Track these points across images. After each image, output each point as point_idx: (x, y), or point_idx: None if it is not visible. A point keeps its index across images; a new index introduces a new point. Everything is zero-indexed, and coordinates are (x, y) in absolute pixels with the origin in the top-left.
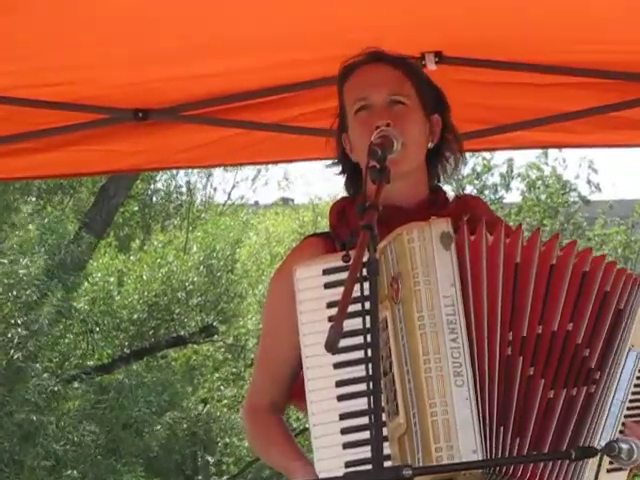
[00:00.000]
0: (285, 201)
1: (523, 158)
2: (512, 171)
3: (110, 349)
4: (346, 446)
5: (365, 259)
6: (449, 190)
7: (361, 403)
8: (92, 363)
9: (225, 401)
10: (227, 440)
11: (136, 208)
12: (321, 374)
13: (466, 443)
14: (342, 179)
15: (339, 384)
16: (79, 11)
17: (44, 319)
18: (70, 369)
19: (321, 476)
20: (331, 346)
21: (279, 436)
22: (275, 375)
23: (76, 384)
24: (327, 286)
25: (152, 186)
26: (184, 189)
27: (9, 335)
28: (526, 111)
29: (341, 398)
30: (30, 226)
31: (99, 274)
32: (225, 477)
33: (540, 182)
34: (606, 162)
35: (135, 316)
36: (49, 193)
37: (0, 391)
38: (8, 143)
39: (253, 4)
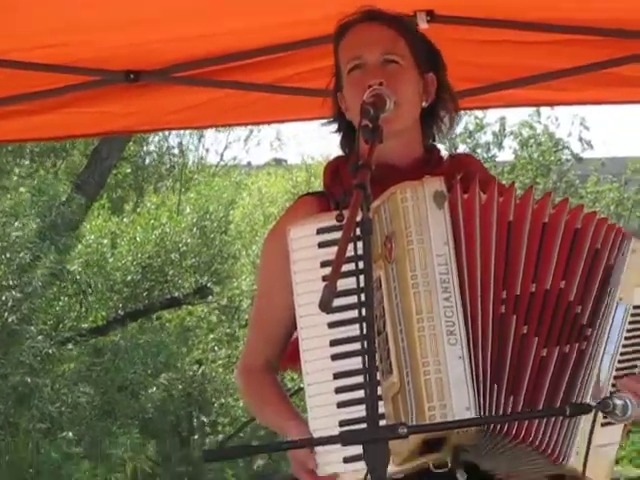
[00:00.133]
0: (278, 161)
1: (516, 116)
2: (504, 129)
3: (104, 311)
4: (340, 405)
5: (359, 218)
6: (442, 149)
7: (355, 362)
8: (86, 325)
9: (220, 362)
10: (222, 400)
11: (129, 170)
12: (315, 333)
13: (459, 401)
14: (336, 138)
15: (333, 343)
16: None
17: (37, 281)
18: (64, 331)
19: (315, 435)
20: (325, 305)
21: (273, 396)
22: (269, 335)
23: (70, 346)
24: (321, 245)
25: (145, 148)
26: (176, 151)
27: (3, 298)
28: (517, 69)
29: (335, 357)
30: (22, 189)
31: (92, 236)
32: (221, 437)
33: (532, 140)
34: (598, 120)
35: (129, 278)
36: (42, 156)
37: None
38: (0, 105)
39: None
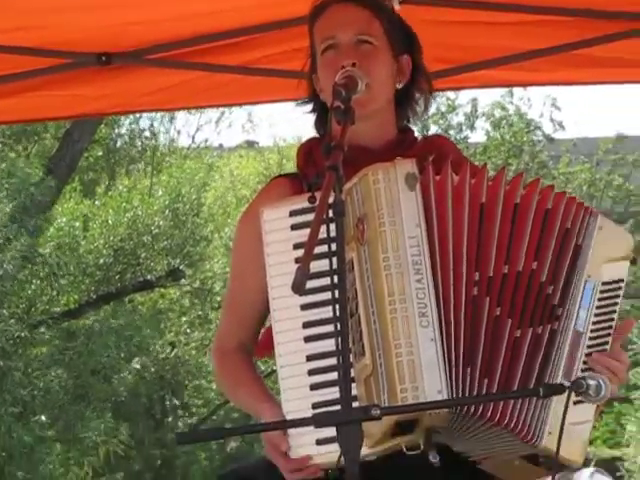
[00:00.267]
0: (250, 144)
1: (488, 97)
2: (476, 111)
3: (76, 294)
4: (313, 387)
5: (331, 200)
6: (415, 131)
7: (328, 344)
8: (58, 309)
9: (193, 344)
10: (195, 383)
11: (100, 153)
12: (288, 315)
13: (431, 384)
14: (308, 120)
15: (306, 325)
16: None
17: (9, 264)
18: (37, 315)
19: (288, 417)
20: (298, 287)
21: (247, 378)
22: (243, 317)
23: (43, 329)
24: (294, 228)
25: (116, 130)
26: (147, 133)
27: None
28: (489, 50)
29: (308, 339)
30: None
31: (64, 219)
32: (194, 419)
33: (504, 122)
34: (570, 100)
35: (101, 261)
36: (13, 139)
37: None
38: None
39: None
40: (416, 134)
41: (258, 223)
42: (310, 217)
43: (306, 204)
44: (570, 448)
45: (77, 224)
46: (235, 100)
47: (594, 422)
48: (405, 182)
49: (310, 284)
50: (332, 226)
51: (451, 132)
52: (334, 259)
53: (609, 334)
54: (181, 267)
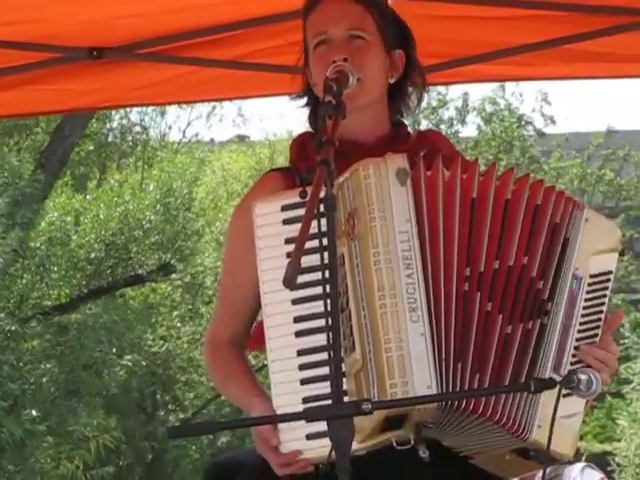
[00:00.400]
0: (241, 138)
1: (479, 92)
2: (467, 105)
3: (68, 288)
4: (304, 382)
5: (323, 195)
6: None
7: (319, 339)
8: (50, 303)
9: (184, 338)
10: (187, 377)
11: (92, 147)
12: (279, 310)
13: (421, 379)
14: (298, 115)
15: (297, 320)
16: None
17: (0, 259)
18: (28, 309)
19: (279, 412)
20: (289, 282)
21: (238, 372)
22: (236, 310)
23: (34, 324)
24: (286, 222)
25: (107, 125)
26: (138, 128)
27: None
28: (481, 45)
29: (299, 334)
30: None
31: (55, 214)
32: (186, 414)
33: (495, 117)
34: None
35: (92, 255)
36: (4, 134)
37: None
38: None
39: None
40: (410, 129)
41: (251, 217)
42: (302, 212)
43: (298, 199)
44: (560, 441)
45: (68, 218)
46: (226, 94)
47: (584, 416)
48: (396, 177)
49: (301, 279)
50: (323, 221)
51: (442, 127)
52: (325, 254)
53: (598, 326)
54: (172, 261)
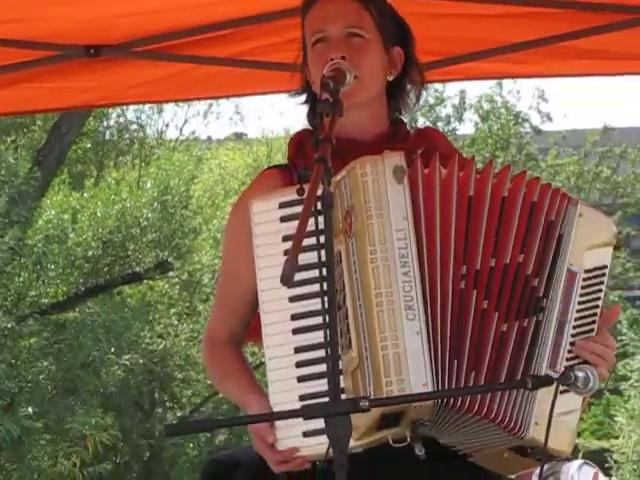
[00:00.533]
0: (238, 136)
1: (477, 89)
2: (464, 103)
3: (65, 286)
4: (300, 379)
5: (320, 192)
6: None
7: (316, 337)
8: (47, 301)
9: (182, 336)
10: (184, 375)
11: (89, 145)
12: (277, 307)
13: (416, 377)
14: (296, 112)
15: (294, 317)
16: None
17: None
18: (25, 307)
19: (275, 409)
20: (286, 279)
21: (236, 369)
22: (234, 308)
23: (31, 322)
24: (283, 220)
25: (105, 123)
26: (135, 126)
27: None
28: (477, 42)
29: (296, 331)
30: None
31: (53, 212)
32: (184, 412)
33: (492, 114)
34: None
35: (90, 253)
36: (1, 132)
37: None
38: None
39: None
40: (409, 126)
41: (249, 215)
42: (299, 209)
43: (295, 196)
44: (558, 438)
45: (66, 216)
46: (223, 92)
47: (582, 413)
48: (393, 175)
49: (299, 276)
50: (321, 218)
51: (439, 124)
52: (322, 251)
53: (594, 321)
54: (169, 259)
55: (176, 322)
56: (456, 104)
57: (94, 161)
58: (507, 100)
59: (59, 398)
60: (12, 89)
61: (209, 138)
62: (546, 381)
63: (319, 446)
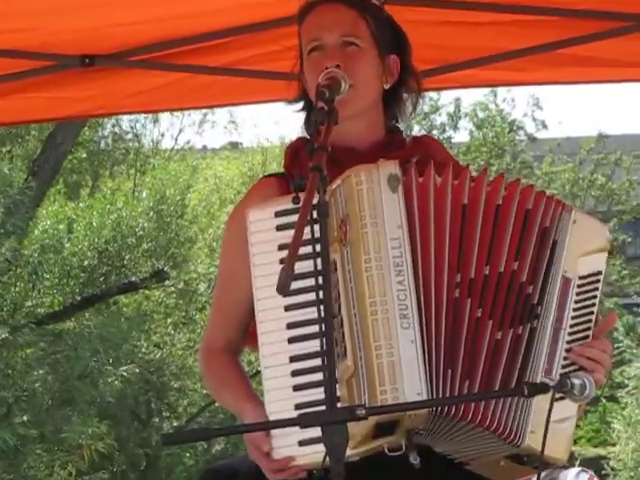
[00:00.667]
0: (234, 145)
1: (471, 97)
2: (459, 111)
3: (61, 296)
4: (296, 388)
5: (315, 201)
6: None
7: (312, 345)
8: (43, 311)
9: (178, 345)
10: (181, 384)
11: (84, 155)
12: (272, 316)
13: (411, 385)
14: (293, 121)
15: (290, 326)
16: None
17: None
18: (21, 317)
19: (271, 418)
20: (282, 288)
21: (232, 378)
22: (231, 316)
23: (27, 332)
24: (279, 228)
25: (100, 133)
26: (130, 135)
27: None
28: (472, 50)
29: (292, 340)
30: None
31: (49, 221)
32: (180, 422)
33: (487, 122)
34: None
35: (85, 263)
36: None
37: None
38: None
39: None
40: (405, 134)
41: (245, 223)
42: (295, 218)
43: (291, 205)
44: (554, 446)
45: (61, 226)
46: (218, 101)
47: (578, 419)
48: (387, 183)
49: (294, 285)
50: (316, 227)
51: (434, 132)
52: (318, 260)
53: (589, 328)
54: (165, 268)
55: (172, 331)
56: (451, 112)
57: (89, 171)
58: (502, 108)
59: (56, 409)
60: (7, 99)
61: (204, 147)
62: (542, 389)
63: (315, 455)
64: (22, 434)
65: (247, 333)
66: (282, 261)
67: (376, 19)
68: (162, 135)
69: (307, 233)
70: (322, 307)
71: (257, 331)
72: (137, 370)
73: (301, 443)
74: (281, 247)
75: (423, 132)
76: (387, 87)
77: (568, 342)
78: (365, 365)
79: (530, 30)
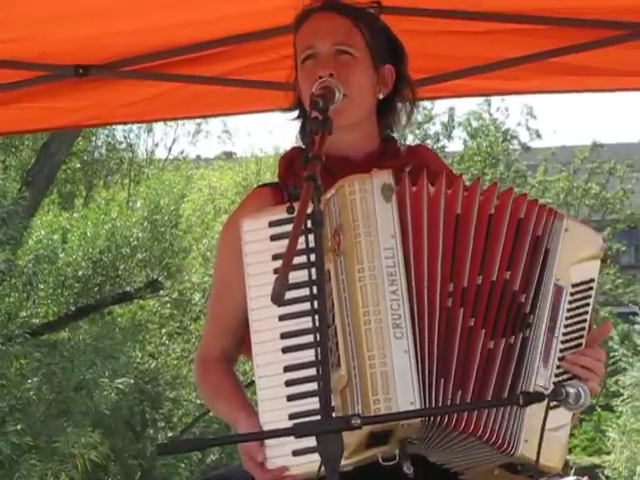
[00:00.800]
0: (228, 155)
1: (465, 106)
2: (453, 120)
3: (55, 306)
4: (290, 398)
5: (310, 210)
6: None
7: (306, 355)
8: (37, 321)
9: (173, 355)
10: (176, 394)
11: (78, 165)
12: (266, 326)
13: (404, 395)
14: (287, 131)
15: (284, 336)
16: None
17: None
18: (15, 327)
19: (265, 428)
20: (277, 298)
21: (227, 387)
22: (226, 326)
23: (22, 342)
24: (273, 238)
25: (94, 143)
26: (124, 145)
27: None
28: (466, 59)
29: (286, 350)
30: None
31: (43, 232)
32: (174, 432)
33: (481, 131)
34: (548, 109)
35: (80, 273)
36: None
37: None
38: None
39: None
40: (400, 144)
41: (240, 233)
42: (289, 227)
43: (285, 215)
44: (549, 454)
45: (55, 236)
46: (212, 111)
47: (572, 427)
48: (381, 193)
49: (289, 295)
50: (311, 236)
51: (428, 141)
52: (312, 270)
53: (582, 336)
54: (160, 278)
55: (167, 341)
56: (445, 121)
57: (83, 181)
58: (496, 117)
59: (51, 419)
60: (1, 109)
61: (198, 157)
62: (537, 398)
63: (309, 464)
64: (16, 443)
65: (242, 342)
66: (276, 271)
67: (371, 28)
68: (156, 145)
69: (301, 243)
70: (317, 317)
71: (251, 341)
72: (132, 381)
73: (295, 453)
74: (275, 257)
75: (417, 141)
76: (381, 97)
77: (561, 350)
78: (359, 375)
79: (524, 39)
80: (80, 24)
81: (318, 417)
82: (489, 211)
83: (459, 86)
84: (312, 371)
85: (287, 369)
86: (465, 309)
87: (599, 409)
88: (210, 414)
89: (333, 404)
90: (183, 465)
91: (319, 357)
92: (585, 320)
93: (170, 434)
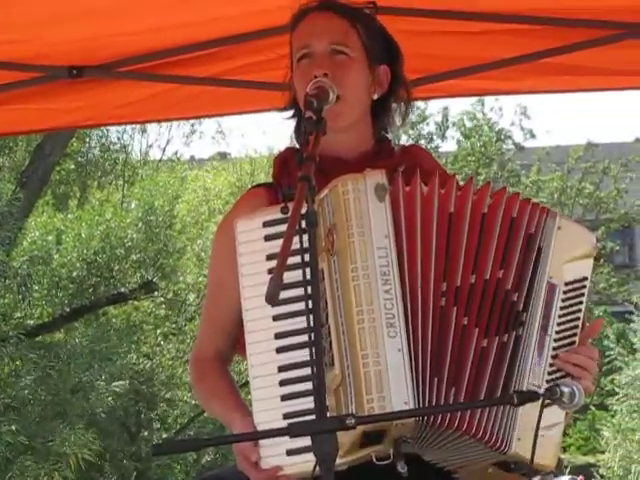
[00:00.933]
0: (222, 155)
1: (459, 106)
2: (447, 120)
3: (50, 308)
4: (284, 398)
5: (304, 210)
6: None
7: (300, 355)
8: (32, 322)
9: (168, 356)
10: (171, 395)
11: (72, 166)
12: (261, 326)
13: (398, 394)
14: (281, 131)
15: (278, 336)
16: None
17: None
18: (10, 329)
19: (259, 428)
20: (271, 298)
21: (221, 387)
22: (221, 326)
23: (17, 343)
24: (267, 238)
25: (88, 144)
26: (118, 146)
27: None
28: (459, 59)
29: (280, 350)
30: None
31: (37, 233)
32: (170, 433)
33: (474, 131)
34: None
35: (74, 274)
36: None
37: None
38: None
39: None
40: (394, 144)
41: (234, 233)
42: (283, 228)
43: (279, 215)
44: (542, 453)
45: (50, 238)
46: (206, 112)
47: (566, 426)
48: (374, 193)
49: (283, 295)
50: (305, 236)
51: (422, 141)
52: (306, 269)
53: (575, 334)
54: (154, 279)
55: (162, 342)
56: (439, 121)
57: (78, 182)
58: (489, 117)
59: (47, 421)
60: None
61: (192, 158)
62: (532, 397)
63: (304, 464)
64: (11, 442)
65: (237, 342)
66: (270, 271)
67: (368, 29)
68: (150, 146)
69: (295, 243)
70: (311, 316)
71: (245, 341)
72: (128, 383)
73: (289, 453)
74: (269, 257)
75: (411, 141)
76: (376, 97)
77: (554, 348)
78: (352, 374)
79: (517, 39)
80: (74, 25)
81: (312, 417)
82: (482, 210)
83: (453, 86)
84: (306, 371)
85: (281, 369)
86: (458, 308)
87: (593, 408)
88: (205, 415)
89: (327, 403)
90: (178, 466)
91: (313, 357)
92: (578, 318)
93: (165, 435)
